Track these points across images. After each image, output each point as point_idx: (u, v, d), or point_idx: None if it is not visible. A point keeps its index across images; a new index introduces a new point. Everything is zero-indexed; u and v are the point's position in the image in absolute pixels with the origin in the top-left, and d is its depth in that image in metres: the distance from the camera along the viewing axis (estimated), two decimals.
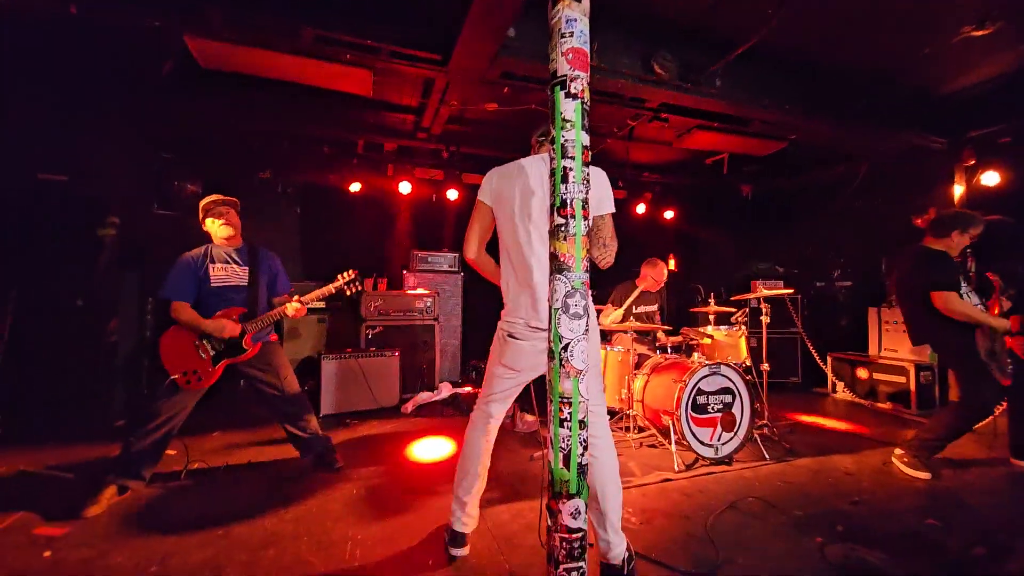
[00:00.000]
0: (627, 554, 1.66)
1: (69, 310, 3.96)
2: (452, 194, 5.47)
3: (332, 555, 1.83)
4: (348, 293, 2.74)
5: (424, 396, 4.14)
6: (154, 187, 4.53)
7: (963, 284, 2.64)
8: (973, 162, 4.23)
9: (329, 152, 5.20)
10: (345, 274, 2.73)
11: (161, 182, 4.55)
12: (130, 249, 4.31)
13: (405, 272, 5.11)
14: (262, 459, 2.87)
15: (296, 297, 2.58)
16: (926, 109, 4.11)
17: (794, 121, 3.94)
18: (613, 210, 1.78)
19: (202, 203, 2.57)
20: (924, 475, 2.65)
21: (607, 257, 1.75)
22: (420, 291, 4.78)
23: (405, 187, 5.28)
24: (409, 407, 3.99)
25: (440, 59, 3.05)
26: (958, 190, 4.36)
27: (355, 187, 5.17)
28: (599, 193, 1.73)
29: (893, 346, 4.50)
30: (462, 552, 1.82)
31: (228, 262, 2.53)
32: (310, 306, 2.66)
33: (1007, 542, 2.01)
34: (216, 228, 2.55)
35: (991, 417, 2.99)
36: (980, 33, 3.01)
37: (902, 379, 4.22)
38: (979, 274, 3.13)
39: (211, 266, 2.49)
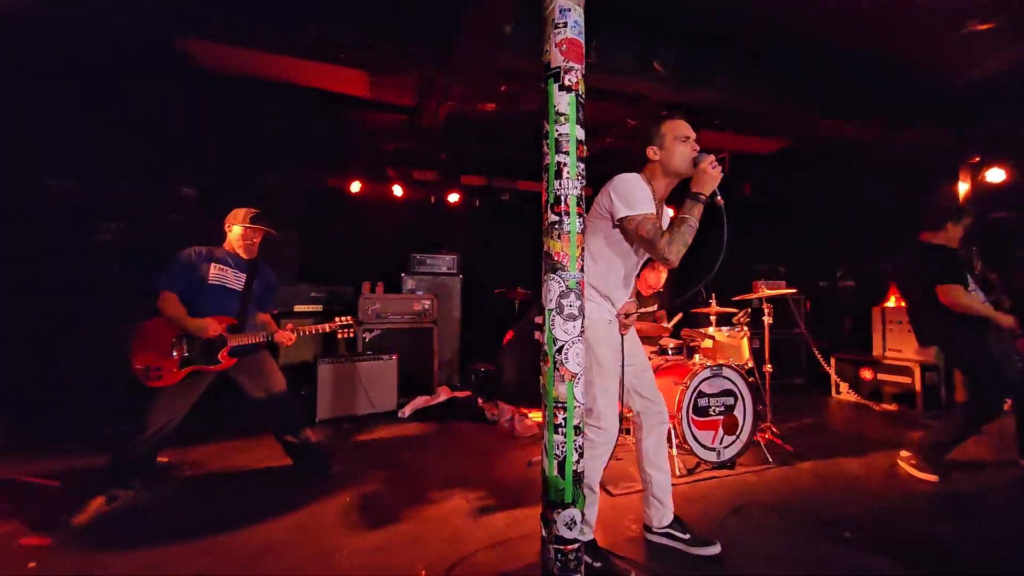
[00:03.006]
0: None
1: (65, 315, 3.94)
2: (451, 196, 5.44)
3: (326, 564, 1.78)
4: (340, 336, 2.89)
5: (422, 400, 4.08)
6: (154, 190, 4.51)
7: (969, 280, 2.59)
8: (979, 159, 4.18)
9: (327, 154, 5.17)
10: (342, 319, 2.87)
11: (160, 185, 4.53)
12: (129, 253, 4.29)
13: (403, 275, 5.06)
14: (256, 466, 2.82)
15: (290, 326, 2.63)
16: (933, 103, 4.03)
17: (800, 117, 3.87)
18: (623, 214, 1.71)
19: (240, 211, 2.54)
20: (932, 478, 2.58)
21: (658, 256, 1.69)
22: (418, 294, 4.74)
23: (403, 189, 5.24)
24: (407, 411, 3.94)
25: (439, 57, 3.01)
26: (963, 187, 4.30)
27: (354, 188, 5.14)
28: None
29: (898, 346, 4.43)
30: None
31: (228, 265, 2.50)
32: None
33: (1022, 547, 1.94)
34: (237, 238, 2.53)
35: (999, 418, 2.93)
36: (984, 27, 2.96)
37: (907, 380, 4.16)
38: (983, 274, 3.07)
39: (211, 264, 2.46)
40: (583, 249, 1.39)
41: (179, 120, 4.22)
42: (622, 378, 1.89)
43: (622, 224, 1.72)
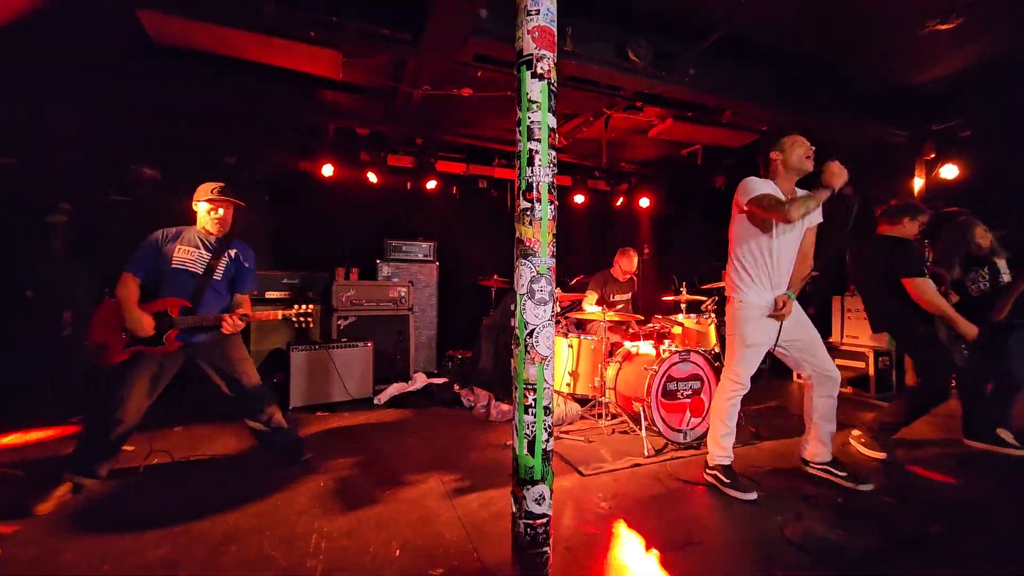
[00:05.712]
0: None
1: (19, 302, 3.76)
2: (428, 182, 5.38)
3: (296, 548, 1.79)
4: (296, 326, 2.57)
5: (397, 387, 4.08)
6: (109, 172, 4.31)
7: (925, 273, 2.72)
8: (933, 155, 4.37)
9: (298, 137, 5.04)
10: (300, 307, 2.58)
11: (116, 166, 4.34)
12: (84, 237, 4.10)
13: (379, 261, 5.01)
14: (227, 454, 2.78)
15: (239, 312, 2.41)
16: (890, 102, 4.20)
17: (764, 111, 3.98)
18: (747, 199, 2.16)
19: (205, 186, 2.46)
20: (880, 455, 2.76)
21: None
22: (394, 281, 4.70)
23: (378, 174, 5.16)
24: (382, 398, 3.93)
25: (410, 39, 2.96)
26: (918, 183, 4.50)
27: (327, 173, 5.03)
28: None
29: (854, 333, 4.66)
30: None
31: (198, 247, 2.41)
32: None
33: (961, 519, 2.09)
34: (205, 215, 2.46)
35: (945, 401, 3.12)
36: (945, 27, 3.07)
37: (862, 364, 4.38)
38: (934, 267, 3.24)
39: (178, 247, 2.37)
40: (554, 236, 1.42)
41: (137, 98, 4.03)
42: (771, 349, 2.44)
43: (749, 209, 2.14)
